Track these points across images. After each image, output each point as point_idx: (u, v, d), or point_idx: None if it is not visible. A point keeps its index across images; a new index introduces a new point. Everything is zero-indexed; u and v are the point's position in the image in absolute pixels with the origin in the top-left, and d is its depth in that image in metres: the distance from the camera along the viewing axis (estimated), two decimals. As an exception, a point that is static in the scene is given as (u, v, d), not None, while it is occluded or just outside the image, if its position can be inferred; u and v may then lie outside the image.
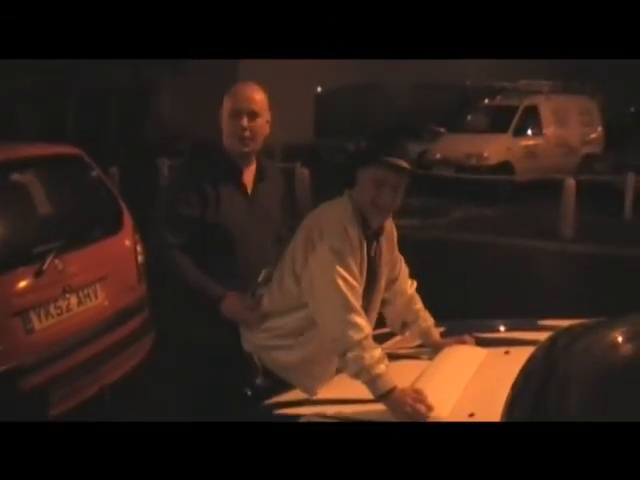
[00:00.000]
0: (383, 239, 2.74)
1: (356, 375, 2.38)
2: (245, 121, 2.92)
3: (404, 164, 2.49)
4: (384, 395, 2.32)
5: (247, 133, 2.93)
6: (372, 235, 2.64)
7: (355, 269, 2.47)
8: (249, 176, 3.07)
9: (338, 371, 2.60)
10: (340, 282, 2.42)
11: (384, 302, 2.90)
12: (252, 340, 2.76)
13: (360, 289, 2.52)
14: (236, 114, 2.92)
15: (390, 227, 2.81)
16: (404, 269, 2.98)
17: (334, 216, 2.54)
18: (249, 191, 3.05)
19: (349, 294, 2.42)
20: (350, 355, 2.37)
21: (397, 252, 2.91)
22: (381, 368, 2.34)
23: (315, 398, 2.61)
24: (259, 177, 3.09)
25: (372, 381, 2.34)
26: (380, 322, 2.93)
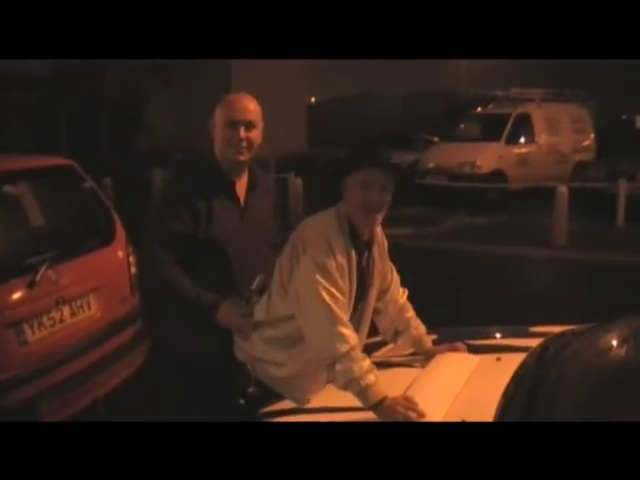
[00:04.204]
0: (375, 249, 2.75)
1: (345, 387, 2.37)
2: (242, 132, 2.92)
3: (388, 162, 2.56)
4: (375, 405, 2.31)
5: (244, 143, 2.94)
6: (363, 246, 2.65)
7: (340, 281, 2.47)
8: (241, 186, 3.06)
9: (328, 382, 2.60)
10: (324, 294, 2.42)
11: (376, 311, 2.90)
12: (246, 349, 2.76)
13: (347, 301, 2.52)
14: (232, 124, 2.92)
15: (381, 237, 2.82)
16: (396, 278, 2.99)
17: (317, 229, 2.55)
18: (242, 202, 3.05)
19: (334, 306, 2.42)
20: (338, 367, 2.37)
21: (388, 262, 2.92)
22: (370, 379, 2.34)
23: (307, 407, 2.61)
24: (251, 186, 3.09)
25: (362, 392, 2.33)
26: (372, 331, 2.93)
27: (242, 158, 2.98)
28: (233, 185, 3.03)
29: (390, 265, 2.94)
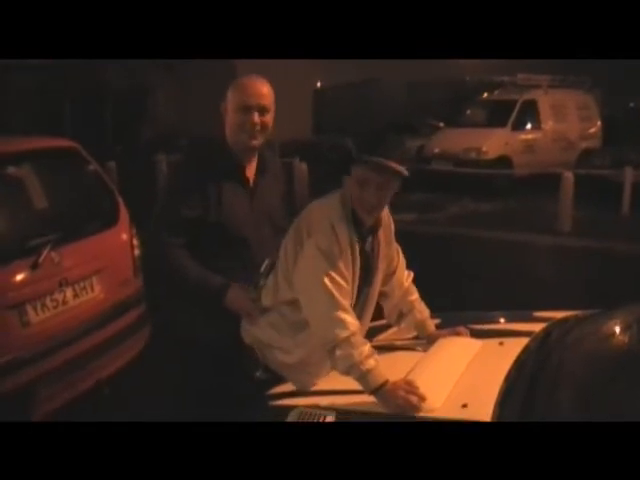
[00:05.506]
0: (380, 233, 2.73)
1: (346, 372, 2.38)
2: (256, 117, 2.88)
3: (387, 164, 2.43)
4: (376, 389, 2.32)
5: (258, 128, 2.90)
6: (367, 231, 2.64)
7: (343, 267, 2.46)
8: (251, 169, 3.03)
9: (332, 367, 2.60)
10: (326, 280, 2.41)
11: (382, 295, 2.90)
12: (253, 333, 2.75)
13: (349, 287, 2.51)
14: (246, 109, 2.87)
15: (387, 220, 2.80)
16: (402, 262, 2.98)
17: (322, 214, 2.54)
18: (251, 184, 3.02)
19: (335, 292, 2.41)
20: (339, 353, 2.37)
21: (395, 245, 2.90)
22: (370, 363, 2.34)
23: (310, 390, 2.61)
24: (261, 170, 3.06)
25: (362, 377, 2.34)
26: (377, 313, 2.93)
27: (255, 143, 2.94)
28: (243, 168, 3.00)
29: (397, 247, 2.93)
